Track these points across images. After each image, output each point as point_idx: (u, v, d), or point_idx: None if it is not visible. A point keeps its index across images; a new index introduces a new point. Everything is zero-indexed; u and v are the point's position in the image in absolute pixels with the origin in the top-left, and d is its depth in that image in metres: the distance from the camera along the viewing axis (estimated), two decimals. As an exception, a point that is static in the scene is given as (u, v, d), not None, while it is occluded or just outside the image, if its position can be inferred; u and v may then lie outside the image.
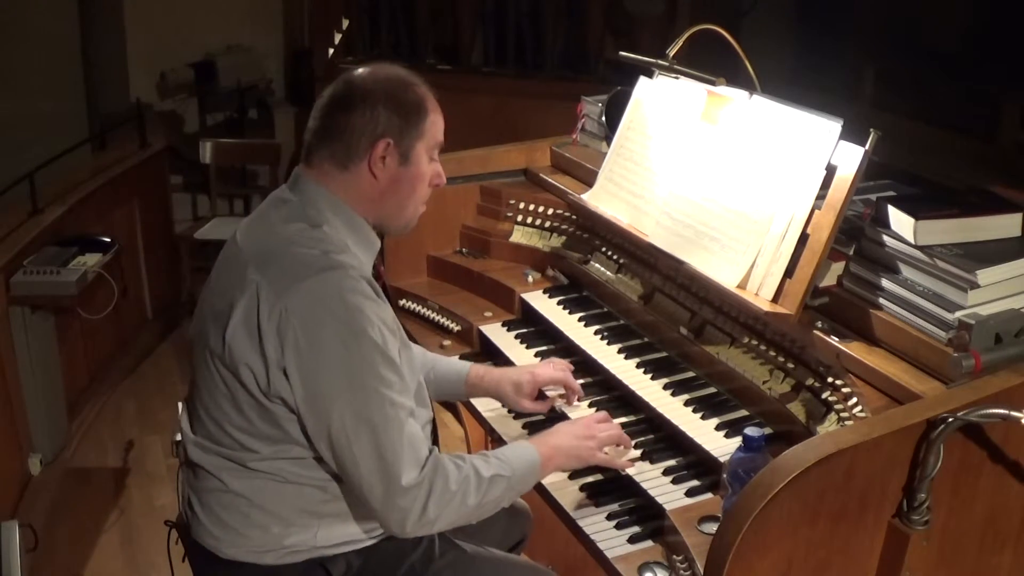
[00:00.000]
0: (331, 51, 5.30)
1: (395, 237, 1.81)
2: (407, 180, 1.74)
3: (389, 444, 1.60)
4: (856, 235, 1.95)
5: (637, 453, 2.02)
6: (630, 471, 1.97)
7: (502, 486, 1.76)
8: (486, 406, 2.31)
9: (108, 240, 3.73)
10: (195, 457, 1.75)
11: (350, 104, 1.70)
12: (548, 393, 2.17)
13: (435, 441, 1.87)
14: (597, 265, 2.56)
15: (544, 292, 2.62)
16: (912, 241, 1.79)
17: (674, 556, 1.76)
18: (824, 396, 1.87)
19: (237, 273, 1.65)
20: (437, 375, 2.15)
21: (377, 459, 1.61)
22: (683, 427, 2.01)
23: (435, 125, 1.76)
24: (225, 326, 1.62)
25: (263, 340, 1.59)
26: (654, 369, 2.22)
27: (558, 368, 2.17)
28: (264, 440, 1.66)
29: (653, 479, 1.94)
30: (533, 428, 2.23)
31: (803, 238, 1.91)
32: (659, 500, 1.87)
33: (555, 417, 2.14)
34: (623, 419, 2.13)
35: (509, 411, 2.28)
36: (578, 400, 2.18)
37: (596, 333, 2.40)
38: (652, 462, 1.99)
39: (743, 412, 2.04)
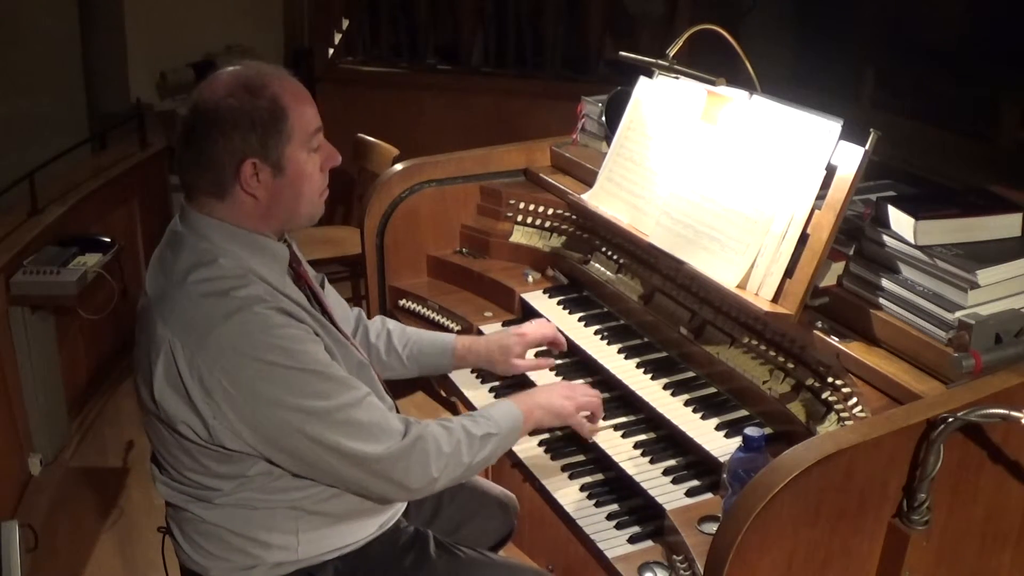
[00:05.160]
0: (331, 51, 5.29)
1: (301, 230, 1.79)
2: (288, 186, 1.65)
3: (352, 444, 1.62)
4: (856, 235, 1.95)
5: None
6: (630, 471, 1.97)
7: (492, 444, 1.82)
8: (480, 401, 2.31)
9: (108, 240, 3.72)
10: (164, 494, 1.76)
11: (202, 134, 1.60)
12: (528, 355, 2.25)
13: None
14: (597, 265, 2.56)
15: (544, 292, 2.62)
16: (912, 241, 1.79)
17: (674, 556, 1.76)
18: (824, 396, 1.87)
19: (149, 327, 1.62)
20: (421, 349, 2.17)
21: (348, 460, 1.63)
22: (683, 427, 2.01)
23: (301, 119, 1.63)
24: (151, 385, 1.60)
25: (192, 397, 1.57)
26: (654, 369, 2.22)
27: (544, 325, 2.26)
28: (223, 479, 1.67)
29: (653, 479, 1.94)
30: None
31: (803, 238, 1.91)
32: (659, 500, 1.87)
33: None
34: (623, 419, 2.13)
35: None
36: (558, 351, 2.30)
37: (596, 333, 2.40)
38: (652, 462, 1.99)
39: (743, 412, 2.04)
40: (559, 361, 2.36)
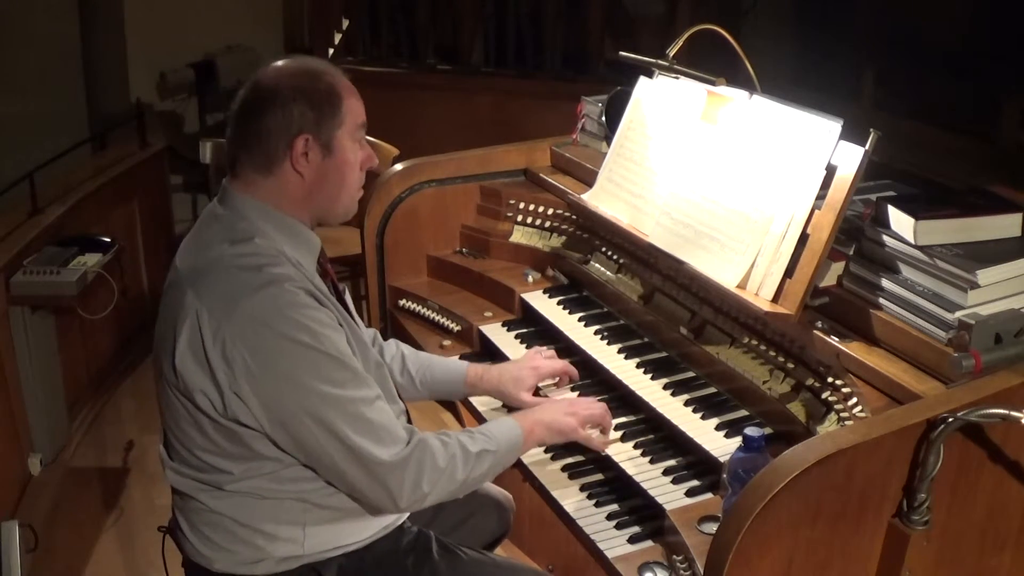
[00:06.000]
0: (331, 51, 5.30)
1: (335, 226, 1.84)
2: (334, 171, 1.71)
3: (358, 439, 1.63)
4: (856, 235, 1.95)
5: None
6: (630, 471, 1.97)
7: (488, 461, 1.81)
8: (484, 405, 2.31)
9: (108, 240, 3.72)
10: (173, 481, 1.76)
11: (260, 107, 1.66)
12: (541, 385, 2.22)
13: None
14: (597, 265, 2.56)
15: (544, 292, 2.62)
16: (912, 241, 1.80)
17: (674, 556, 1.76)
18: (824, 396, 1.87)
19: (177, 298, 1.64)
20: (433, 375, 2.17)
21: (351, 455, 1.64)
22: (683, 427, 2.01)
23: (353, 109, 1.71)
24: (172, 354, 1.61)
25: (212, 366, 1.59)
26: (654, 369, 2.22)
27: (555, 359, 2.24)
28: (234, 460, 1.67)
29: (653, 479, 1.94)
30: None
31: (803, 238, 1.91)
32: (659, 500, 1.87)
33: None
34: (623, 419, 2.13)
35: (504, 405, 2.29)
36: (570, 382, 2.26)
37: (596, 333, 2.40)
38: (652, 462, 1.99)
39: (743, 412, 2.04)
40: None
